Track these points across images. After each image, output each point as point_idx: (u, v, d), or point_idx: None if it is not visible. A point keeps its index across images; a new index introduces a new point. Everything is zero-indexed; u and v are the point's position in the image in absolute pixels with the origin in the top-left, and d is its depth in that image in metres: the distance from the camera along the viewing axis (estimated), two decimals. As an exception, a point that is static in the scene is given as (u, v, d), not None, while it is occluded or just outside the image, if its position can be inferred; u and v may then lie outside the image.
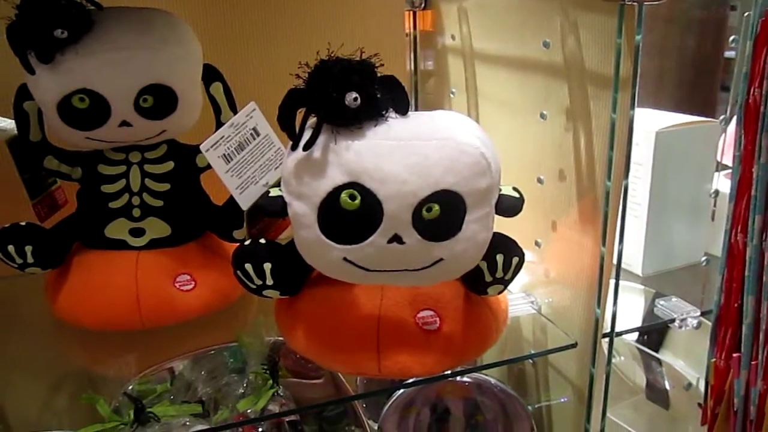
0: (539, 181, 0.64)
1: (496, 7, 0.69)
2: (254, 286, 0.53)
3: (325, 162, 0.46)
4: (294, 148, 0.47)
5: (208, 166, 0.64)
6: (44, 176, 0.67)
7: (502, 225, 0.53)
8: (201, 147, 0.55)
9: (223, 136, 0.55)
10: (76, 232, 0.65)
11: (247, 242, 0.53)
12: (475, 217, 0.47)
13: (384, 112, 0.46)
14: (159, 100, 0.59)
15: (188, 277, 0.63)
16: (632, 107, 0.52)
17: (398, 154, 0.45)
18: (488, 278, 0.52)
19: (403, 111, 0.47)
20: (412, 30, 0.84)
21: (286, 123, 0.46)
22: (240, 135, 0.56)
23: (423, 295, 0.54)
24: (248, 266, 0.52)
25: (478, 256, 0.50)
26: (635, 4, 0.49)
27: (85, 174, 0.64)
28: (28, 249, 0.60)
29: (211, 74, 0.64)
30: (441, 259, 0.48)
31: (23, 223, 0.61)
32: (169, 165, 0.64)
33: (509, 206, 0.50)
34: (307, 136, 0.46)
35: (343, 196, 0.45)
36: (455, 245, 0.47)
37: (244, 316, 0.71)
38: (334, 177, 0.46)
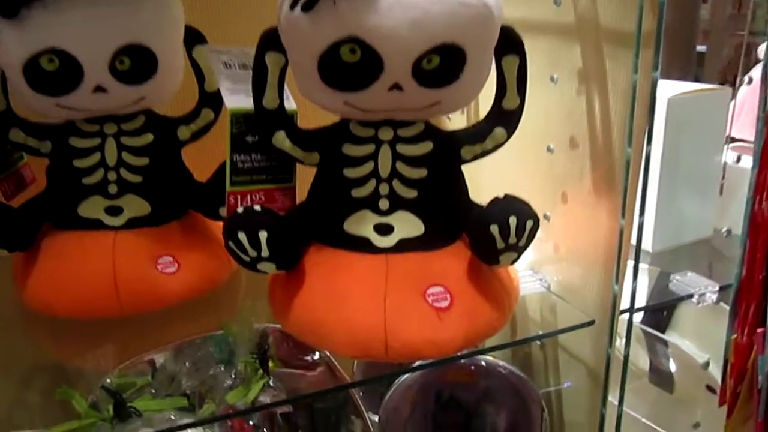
0: (549, 149, 0.61)
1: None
2: (248, 259, 0.49)
3: (324, 19, 0.46)
4: (292, 7, 0.46)
5: (190, 140, 0.64)
6: (10, 151, 0.63)
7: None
8: (207, 47, 0.59)
9: (230, 50, 0.58)
10: (45, 211, 0.61)
11: (240, 210, 0.49)
12: (475, 62, 0.49)
13: None
14: (137, 63, 0.55)
15: (171, 259, 0.60)
16: (656, 67, 0.49)
17: (397, 9, 0.45)
18: (500, 245, 0.48)
19: None
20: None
21: None
22: (244, 57, 0.58)
23: (432, 271, 0.50)
24: (242, 235, 0.48)
25: (475, 95, 0.53)
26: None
27: (55, 148, 0.60)
28: (-6, 229, 0.56)
29: (193, 37, 0.61)
30: (438, 102, 0.50)
31: (-13, 201, 0.57)
32: (148, 137, 0.60)
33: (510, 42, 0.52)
34: None
35: (343, 49, 0.46)
36: (453, 90, 0.49)
37: (230, 303, 0.68)
38: (334, 33, 0.46)
